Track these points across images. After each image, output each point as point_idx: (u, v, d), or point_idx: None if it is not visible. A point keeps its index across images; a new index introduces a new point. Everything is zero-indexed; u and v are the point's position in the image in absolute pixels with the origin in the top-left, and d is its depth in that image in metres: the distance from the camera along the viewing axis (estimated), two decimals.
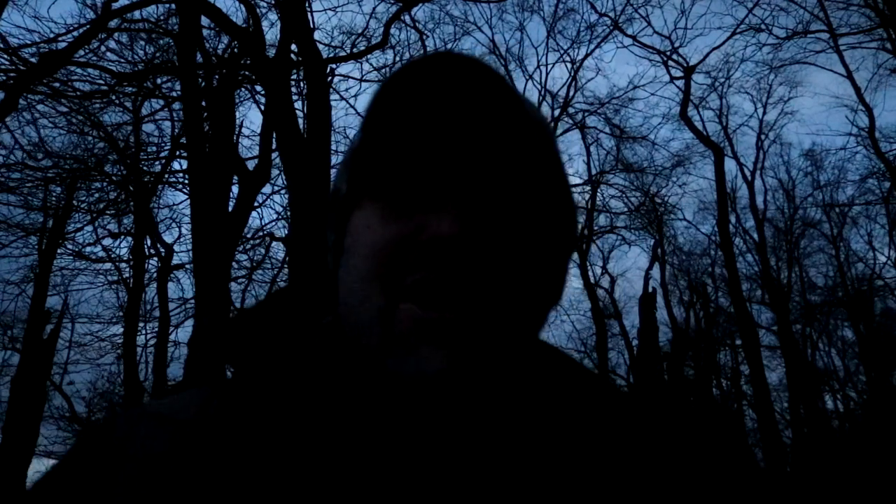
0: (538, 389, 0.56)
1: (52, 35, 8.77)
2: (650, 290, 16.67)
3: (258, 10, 8.99)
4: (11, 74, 8.31)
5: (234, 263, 10.22)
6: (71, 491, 0.52)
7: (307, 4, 8.06)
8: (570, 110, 15.93)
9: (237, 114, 9.99)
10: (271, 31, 11.62)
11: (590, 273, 16.31)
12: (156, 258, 13.17)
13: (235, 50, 9.87)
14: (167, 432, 0.53)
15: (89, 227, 13.04)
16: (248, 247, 12.91)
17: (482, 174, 0.51)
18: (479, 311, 0.49)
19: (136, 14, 9.60)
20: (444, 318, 0.49)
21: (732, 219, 16.68)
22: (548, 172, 0.54)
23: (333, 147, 10.63)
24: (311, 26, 8.13)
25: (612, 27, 14.59)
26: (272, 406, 0.53)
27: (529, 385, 0.55)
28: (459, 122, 0.51)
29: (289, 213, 8.97)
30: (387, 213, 0.52)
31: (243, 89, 10.70)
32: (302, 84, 9.61)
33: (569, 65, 15.75)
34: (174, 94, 10.88)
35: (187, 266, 12.75)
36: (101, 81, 9.91)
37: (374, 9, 12.86)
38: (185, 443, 0.52)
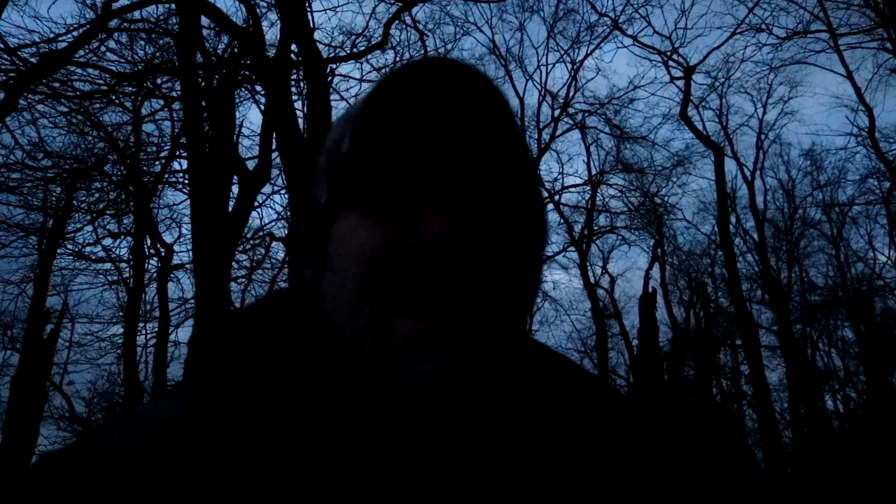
0: (533, 391, 0.56)
1: (52, 35, 8.78)
2: (650, 290, 16.68)
3: (258, 10, 9.01)
4: (11, 74, 8.32)
5: (234, 263, 10.22)
6: (44, 495, 0.51)
7: (307, 4, 8.07)
8: (570, 110, 15.93)
9: (237, 114, 10.00)
10: (271, 31, 11.65)
11: (590, 273, 16.29)
12: (156, 258, 13.19)
13: (235, 50, 9.87)
14: (143, 434, 0.52)
15: (89, 227, 13.06)
16: (248, 247, 12.92)
17: (468, 176, 0.52)
18: (471, 315, 0.50)
19: (136, 14, 9.62)
20: (438, 327, 0.49)
21: (732, 219, 16.70)
22: (524, 171, 0.55)
23: None
24: (311, 26, 8.13)
25: (612, 27, 14.60)
26: (259, 408, 0.52)
27: (524, 387, 0.55)
28: (445, 124, 0.52)
29: (289, 213, 8.97)
30: (375, 218, 0.52)
31: (243, 89, 10.70)
32: (302, 84, 9.61)
33: (569, 65, 15.77)
34: (174, 94, 10.89)
35: (187, 266, 12.76)
36: (101, 81, 9.93)
37: (374, 9, 12.86)
38: (162, 444, 0.51)
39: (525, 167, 0.55)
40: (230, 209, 8.45)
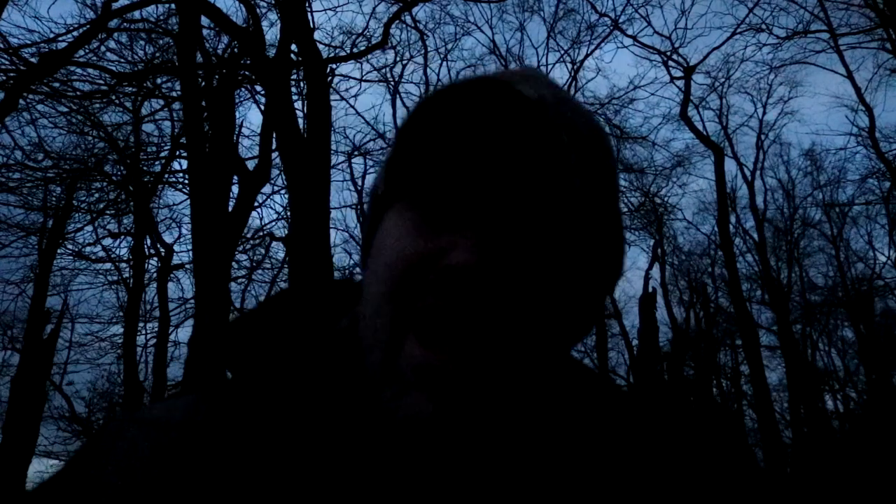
0: (557, 423, 0.54)
1: (52, 35, 8.79)
2: (650, 290, 16.68)
3: (258, 10, 9.01)
4: (11, 74, 8.32)
5: (234, 263, 10.22)
6: (60, 499, 0.52)
7: (307, 4, 8.07)
8: None
9: (237, 114, 10.01)
10: (271, 31, 11.64)
11: None
12: (156, 258, 13.19)
13: (235, 50, 9.87)
14: (152, 436, 0.53)
15: (89, 227, 13.07)
16: (248, 247, 12.92)
17: (513, 205, 0.48)
18: (484, 353, 0.47)
19: (136, 14, 9.63)
20: (442, 364, 0.46)
21: (732, 219, 16.70)
22: (585, 206, 0.50)
23: (333, 147, 10.63)
24: (311, 26, 8.13)
25: (612, 27, 14.60)
26: (262, 412, 0.52)
27: (546, 420, 0.54)
28: (498, 148, 0.48)
29: (289, 213, 8.98)
30: (418, 225, 0.50)
31: (243, 89, 10.71)
32: (302, 84, 9.61)
33: (569, 65, 15.76)
34: (174, 94, 10.89)
35: (187, 266, 12.76)
36: (101, 81, 9.93)
37: (374, 9, 12.86)
38: (170, 445, 0.52)
39: (585, 198, 0.50)
40: (230, 209, 8.46)
